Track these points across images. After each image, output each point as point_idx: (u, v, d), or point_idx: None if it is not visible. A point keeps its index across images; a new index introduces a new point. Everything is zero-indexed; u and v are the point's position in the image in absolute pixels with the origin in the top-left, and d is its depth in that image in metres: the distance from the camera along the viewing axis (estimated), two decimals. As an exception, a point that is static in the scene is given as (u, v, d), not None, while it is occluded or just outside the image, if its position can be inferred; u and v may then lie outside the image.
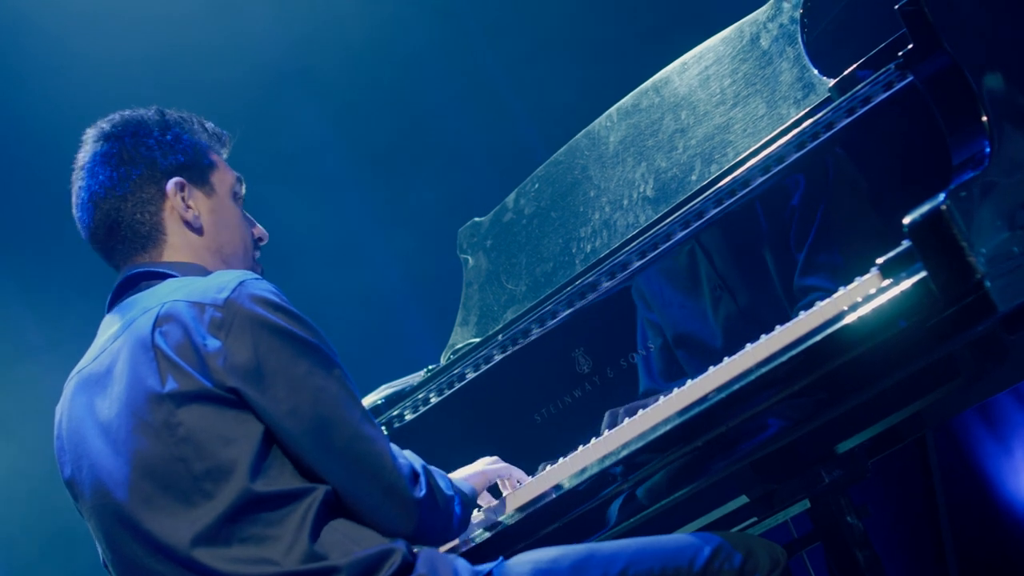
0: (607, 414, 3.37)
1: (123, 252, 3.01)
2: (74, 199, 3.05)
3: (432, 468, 2.85)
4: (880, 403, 2.88)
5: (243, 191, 3.17)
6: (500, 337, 3.68)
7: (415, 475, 2.73)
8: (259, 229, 3.20)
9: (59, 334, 5.96)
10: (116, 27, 6.04)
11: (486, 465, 3.28)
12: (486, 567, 2.73)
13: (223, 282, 2.75)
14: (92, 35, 6.00)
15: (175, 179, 3.00)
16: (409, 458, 2.77)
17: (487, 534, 3.21)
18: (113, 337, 2.85)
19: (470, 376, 3.73)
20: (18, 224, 6.06)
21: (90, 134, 3.06)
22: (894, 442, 3.24)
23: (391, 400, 3.85)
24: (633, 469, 2.99)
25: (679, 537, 2.84)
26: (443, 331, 4.06)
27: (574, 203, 3.72)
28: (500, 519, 3.21)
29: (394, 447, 2.76)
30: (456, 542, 3.22)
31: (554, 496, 3.12)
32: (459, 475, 3.19)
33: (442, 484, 2.81)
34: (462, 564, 2.71)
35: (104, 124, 3.06)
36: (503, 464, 3.31)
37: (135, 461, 2.69)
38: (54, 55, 5.98)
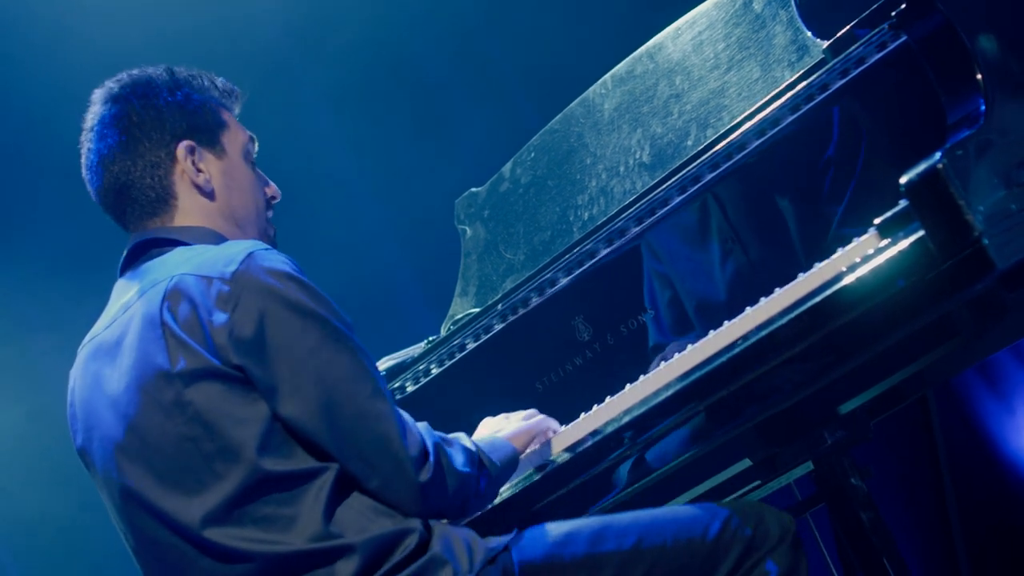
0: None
1: (133, 216, 2.96)
2: (83, 160, 3.00)
3: (453, 439, 2.79)
4: (881, 363, 2.88)
5: (255, 150, 3.11)
6: (500, 306, 3.68)
7: (424, 455, 2.64)
8: (272, 188, 3.13)
9: (57, 310, 5.98)
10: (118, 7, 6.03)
11: (524, 420, 3.23)
12: (502, 541, 2.70)
13: (232, 253, 2.69)
14: (94, 16, 6.00)
15: (185, 142, 2.94)
16: (423, 434, 2.68)
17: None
18: (124, 307, 2.82)
19: (470, 346, 3.73)
20: (9, 199, 6.06)
21: (97, 95, 3.00)
22: (896, 402, 3.24)
23: (392, 372, 3.84)
24: (639, 433, 3.00)
25: (690, 508, 2.84)
26: (442, 302, 4.06)
27: (570, 171, 3.72)
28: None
29: (409, 422, 2.68)
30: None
31: (558, 463, 3.13)
32: (497, 429, 3.17)
33: (457, 462, 2.72)
34: (476, 539, 2.68)
35: (112, 84, 3.00)
36: (541, 417, 3.25)
37: (146, 439, 2.67)
38: (52, 37, 5.96)
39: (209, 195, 2.97)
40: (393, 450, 2.61)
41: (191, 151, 2.95)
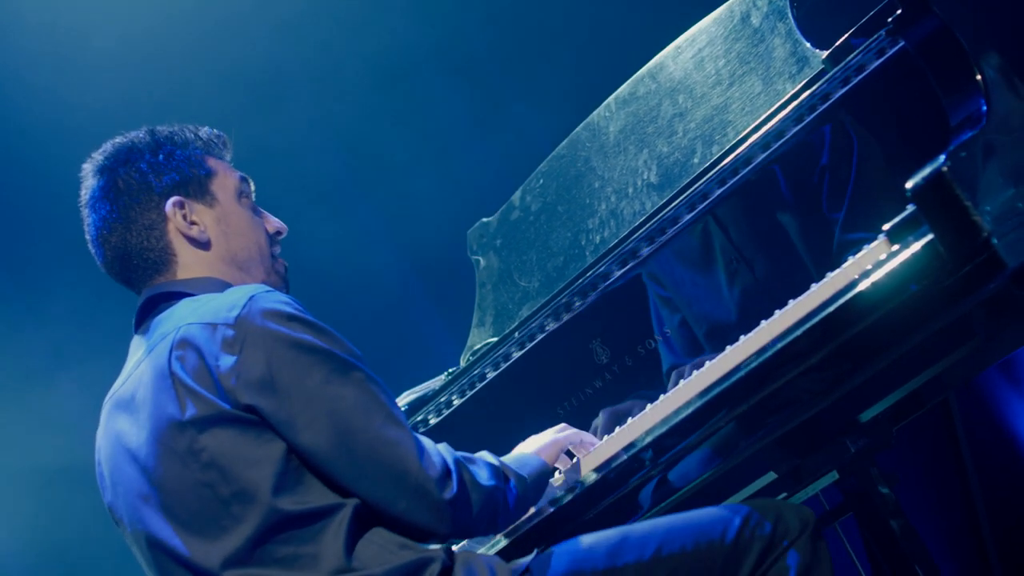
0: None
1: (139, 279, 3.01)
2: (86, 236, 3.06)
3: (474, 456, 2.80)
4: (899, 369, 2.88)
5: (251, 189, 3.14)
6: (517, 334, 3.69)
7: (446, 473, 2.65)
8: (274, 223, 3.16)
9: (67, 355, 6.01)
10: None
11: (556, 433, 3.23)
12: (523, 563, 2.72)
13: (234, 299, 2.73)
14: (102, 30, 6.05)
15: (173, 198, 2.99)
16: (443, 453, 2.70)
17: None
18: (137, 363, 2.86)
19: (490, 375, 3.73)
20: (24, 243, 6.09)
21: (87, 169, 3.06)
22: (917, 407, 3.23)
23: (414, 406, 3.85)
24: (660, 453, 3.00)
25: (708, 511, 2.83)
26: (461, 334, 4.06)
27: (580, 195, 3.73)
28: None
29: (427, 443, 2.69)
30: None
31: (586, 485, 3.13)
32: (530, 448, 3.16)
33: (481, 476, 2.74)
34: (499, 563, 2.69)
35: (98, 156, 3.06)
36: (573, 431, 3.25)
37: (165, 488, 2.70)
38: (56, 58, 6.01)
39: (205, 245, 3.01)
40: (413, 472, 2.62)
41: (180, 205, 2.99)
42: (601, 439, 3.14)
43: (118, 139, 3.08)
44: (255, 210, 3.13)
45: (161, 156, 3.03)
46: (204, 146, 3.10)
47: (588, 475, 3.14)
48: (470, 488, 2.69)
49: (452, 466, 2.68)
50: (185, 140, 3.08)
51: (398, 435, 2.65)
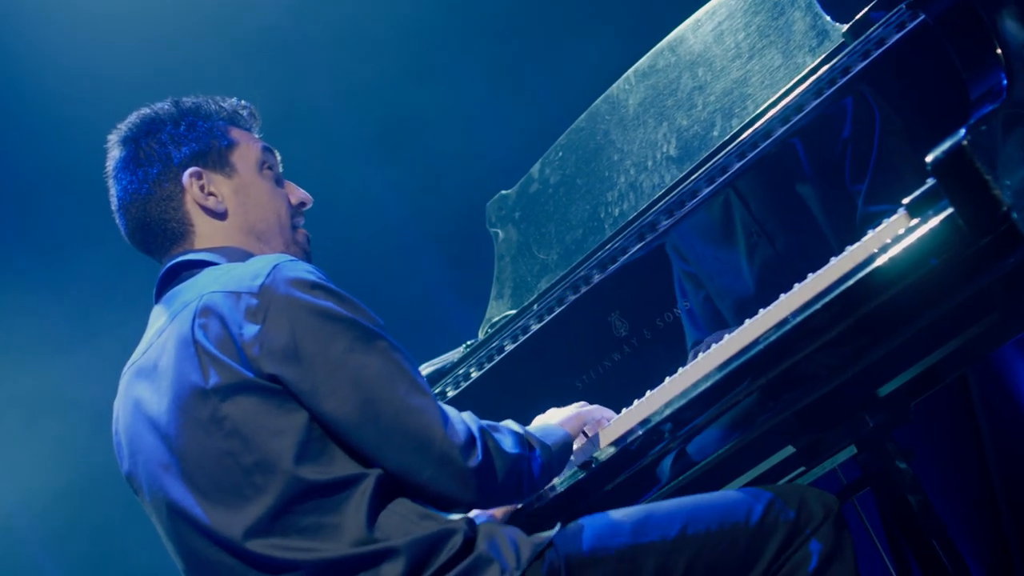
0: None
1: (160, 248, 3.04)
2: (111, 206, 3.10)
3: (498, 424, 2.81)
4: (918, 343, 2.88)
5: (276, 160, 3.16)
6: (536, 307, 3.69)
7: (471, 441, 2.65)
8: (298, 194, 3.18)
9: (91, 328, 6.04)
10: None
11: (579, 408, 3.25)
12: (547, 536, 2.70)
13: (258, 268, 2.74)
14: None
15: (190, 169, 3.01)
16: (467, 421, 2.70)
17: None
18: (159, 331, 2.87)
19: (509, 348, 3.74)
20: (47, 219, 6.12)
21: (112, 140, 3.10)
22: (935, 382, 3.23)
23: (432, 378, 3.85)
24: (680, 426, 3.00)
25: (733, 493, 2.84)
26: (479, 306, 4.07)
27: (599, 168, 3.73)
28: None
29: (451, 412, 2.69)
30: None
31: (603, 458, 3.14)
32: (553, 419, 3.16)
33: (506, 444, 2.74)
34: (522, 536, 2.69)
35: (122, 127, 3.09)
36: (595, 406, 3.27)
37: (186, 457, 2.71)
38: (77, 26, 6.03)
39: (222, 215, 3.03)
40: (438, 440, 2.62)
41: (197, 176, 3.02)
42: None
43: (143, 110, 3.11)
44: (278, 181, 3.15)
45: (183, 127, 3.06)
46: (228, 117, 3.12)
47: (607, 448, 3.15)
48: (495, 456, 2.69)
49: (477, 434, 2.68)
50: (208, 111, 3.10)
51: (423, 403, 2.65)
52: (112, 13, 6.03)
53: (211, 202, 3.01)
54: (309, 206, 3.18)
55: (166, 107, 3.09)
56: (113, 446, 2.96)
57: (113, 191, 3.08)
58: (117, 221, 3.09)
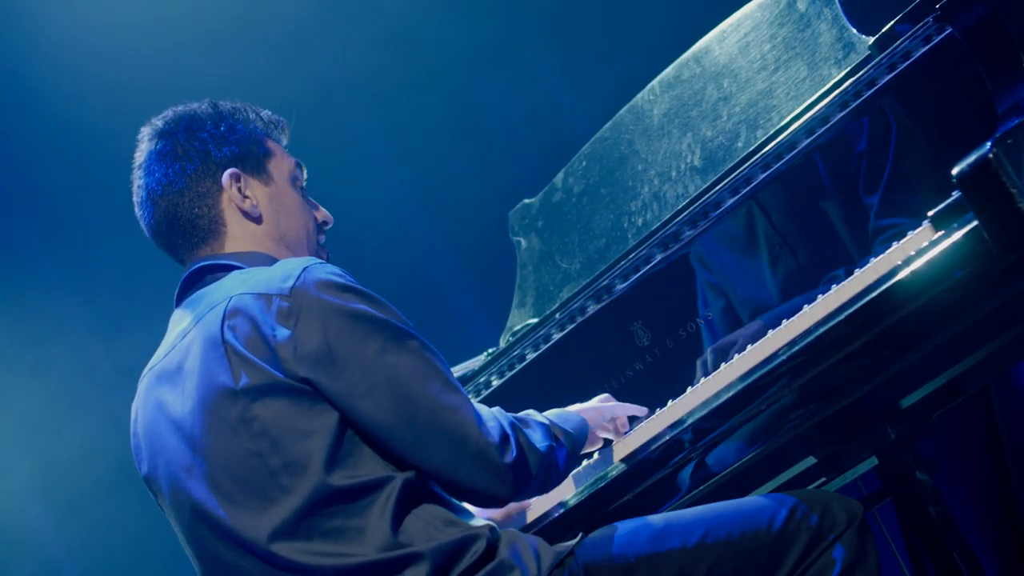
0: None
1: (185, 246, 3.02)
2: (134, 198, 3.07)
3: (526, 417, 2.82)
4: (941, 356, 2.88)
5: (304, 176, 3.16)
6: (558, 316, 3.70)
7: (505, 438, 2.67)
8: (323, 213, 3.18)
9: (112, 330, 6.07)
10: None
11: (601, 402, 3.26)
12: (568, 545, 2.70)
13: (288, 270, 2.73)
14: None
15: (230, 170, 3.01)
16: (499, 418, 2.71)
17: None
18: (183, 333, 2.86)
19: (530, 356, 3.74)
20: (68, 222, 6.15)
21: (145, 132, 3.08)
22: (957, 394, 3.22)
23: (453, 385, 3.86)
24: (700, 436, 3.01)
25: (755, 500, 2.83)
26: (501, 314, 4.07)
27: (622, 178, 3.73)
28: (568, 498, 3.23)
29: (482, 408, 2.71)
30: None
31: (623, 468, 3.14)
32: (572, 408, 3.16)
33: (536, 437, 2.76)
34: (543, 544, 2.69)
35: (158, 121, 3.08)
36: (616, 402, 3.28)
37: (212, 458, 2.70)
38: (90, 28, 6.06)
39: (257, 220, 3.03)
40: (473, 437, 2.64)
41: (236, 178, 3.01)
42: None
43: (179, 107, 3.10)
44: (305, 197, 3.16)
45: (223, 128, 3.05)
46: (264, 127, 3.13)
47: (627, 457, 3.16)
48: (527, 451, 2.71)
49: (509, 430, 2.70)
50: (247, 118, 3.11)
51: (456, 401, 2.66)
52: (134, 20, 6.05)
53: (247, 205, 3.01)
54: (330, 226, 3.20)
55: (204, 107, 3.09)
56: (131, 448, 2.96)
57: (141, 182, 3.05)
58: (139, 213, 3.07)
